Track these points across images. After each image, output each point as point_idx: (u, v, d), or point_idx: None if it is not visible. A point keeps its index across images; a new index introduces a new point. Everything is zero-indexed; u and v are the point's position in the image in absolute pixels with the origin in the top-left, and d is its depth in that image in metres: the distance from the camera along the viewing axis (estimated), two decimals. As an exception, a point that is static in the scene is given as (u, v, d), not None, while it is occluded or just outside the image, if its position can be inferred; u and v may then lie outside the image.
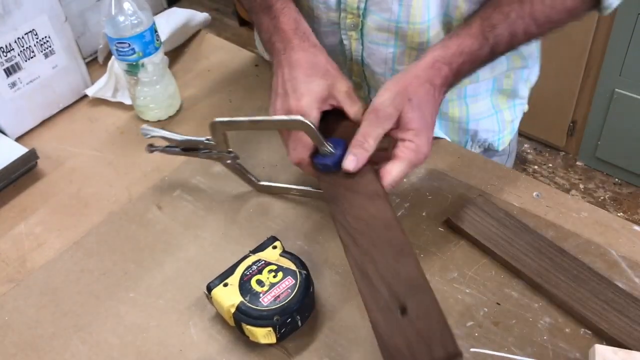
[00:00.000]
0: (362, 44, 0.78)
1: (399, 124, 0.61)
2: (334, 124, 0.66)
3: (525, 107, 0.92)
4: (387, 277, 0.53)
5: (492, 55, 0.67)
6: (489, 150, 0.91)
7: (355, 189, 0.60)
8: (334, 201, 0.61)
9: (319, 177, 0.64)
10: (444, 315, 0.50)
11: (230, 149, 0.71)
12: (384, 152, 0.62)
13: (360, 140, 0.60)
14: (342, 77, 0.67)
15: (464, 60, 0.64)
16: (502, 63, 0.82)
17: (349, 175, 0.61)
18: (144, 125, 0.74)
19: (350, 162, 0.60)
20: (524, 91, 0.90)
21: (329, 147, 0.63)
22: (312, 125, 0.61)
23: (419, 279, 0.53)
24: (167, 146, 0.74)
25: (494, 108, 0.87)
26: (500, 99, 0.87)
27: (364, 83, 0.83)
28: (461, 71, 0.65)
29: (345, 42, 0.78)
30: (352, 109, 0.65)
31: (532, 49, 0.85)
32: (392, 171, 0.60)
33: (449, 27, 0.74)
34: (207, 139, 0.71)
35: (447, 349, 0.48)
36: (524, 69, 0.86)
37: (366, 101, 0.82)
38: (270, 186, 0.75)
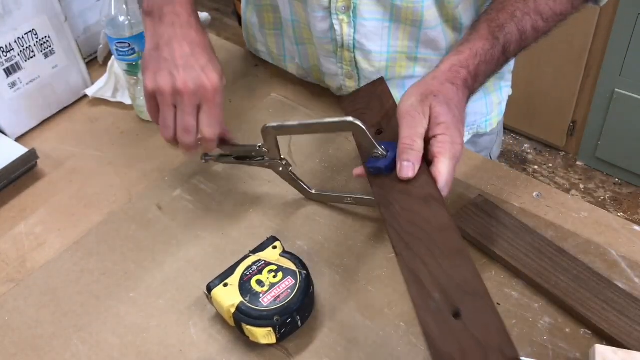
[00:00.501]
0: (354, 27, 0.78)
1: (429, 122, 0.60)
2: None
3: (510, 91, 0.95)
4: (440, 280, 0.50)
5: (505, 54, 0.67)
6: (477, 134, 0.93)
7: (408, 192, 0.58)
8: (386, 205, 0.58)
9: (371, 182, 0.62)
10: (501, 320, 0.47)
11: (283, 157, 0.71)
12: None
13: (407, 143, 0.59)
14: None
15: (479, 61, 0.64)
16: None
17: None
18: (204, 156, 0.75)
19: (407, 170, 0.58)
20: (508, 74, 0.92)
21: (381, 150, 0.61)
22: (363, 127, 0.60)
23: (474, 282, 0.50)
24: (220, 155, 0.74)
25: (483, 92, 0.89)
26: (488, 82, 0.88)
27: (354, 71, 0.82)
28: (478, 73, 0.65)
29: (336, 27, 0.78)
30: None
31: None
32: (441, 170, 0.57)
33: (441, 3, 0.75)
34: (259, 146, 0.70)
35: (505, 354, 0.45)
36: None
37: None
38: (323, 195, 0.74)
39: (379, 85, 0.73)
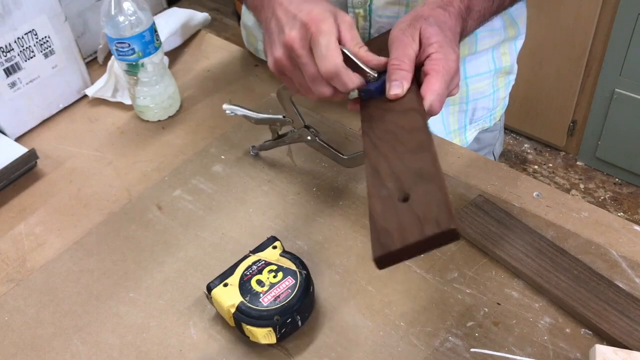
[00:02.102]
0: (370, 21, 0.78)
1: (420, 45, 0.59)
2: None
3: (513, 81, 0.96)
4: (396, 171, 0.50)
5: None
6: (482, 130, 0.94)
7: (392, 108, 0.58)
8: (367, 120, 0.58)
9: (361, 106, 0.61)
10: (446, 195, 0.46)
11: (307, 124, 0.70)
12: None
13: (395, 64, 0.57)
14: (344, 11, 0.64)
15: None
16: (499, 33, 0.84)
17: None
18: (226, 105, 0.75)
19: (395, 88, 0.57)
20: (515, 65, 0.93)
21: (370, 72, 0.60)
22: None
23: (429, 170, 0.49)
24: (266, 141, 0.76)
25: (493, 87, 0.90)
26: (499, 78, 0.89)
27: None
28: (472, 6, 0.64)
29: None
30: (353, 41, 0.60)
31: (521, 10, 0.87)
32: (431, 86, 0.56)
33: None
34: (284, 116, 0.70)
35: (440, 225, 0.43)
36: (516, 39, 0.89)
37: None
38: (356, 158, 0.72)
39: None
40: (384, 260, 0.46)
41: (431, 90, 0.56)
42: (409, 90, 0.58)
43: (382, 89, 0.59)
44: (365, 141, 0.56)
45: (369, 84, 0.60)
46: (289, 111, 0.68)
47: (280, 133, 0.77)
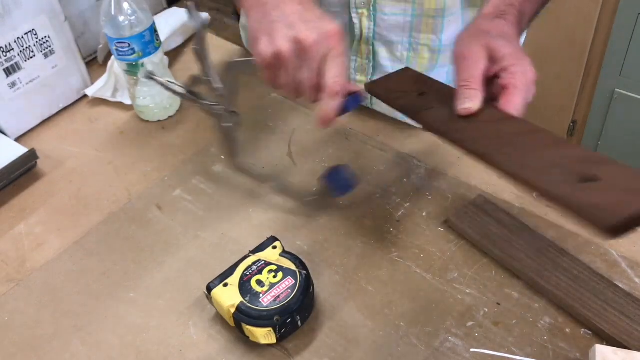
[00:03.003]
0: (374, 20, 0.78)
1: (490, 59, 0.57)
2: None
3: None
4: (555, 160, 0.49)
5: None
6: None
7: (477, 120, 0.56)
8: (458, 130, 0.55)
9: (441, 132, 0.58)
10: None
11: (235, 110, 0.65)
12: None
13: (464, 84, 0.55)
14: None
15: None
16: None
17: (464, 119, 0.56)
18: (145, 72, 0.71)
19: (467, 102, 0.55)
20: None
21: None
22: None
23: (596, 156, 0.48)
24: (169, 81, 0.71)
25: None
26: None
27: (369, 65, 0.82)
28: (524, 11, 0.62)
29: (355, 20, 0.78)
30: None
31: None
32: (512, 102, 0.54)
33: None
34: (218, 87, 0.64)
35: None
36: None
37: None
38: (245, 169, 0.69)
39: (408, 71, 0.71)
40: (620, 227, 0.44)
41: (512, 105, 0.55)
42: (486, 105, 0.56)
43: (351, 104, 0.60)
44: (469, 145, 0.54)
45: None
46: (228, 89, 0.63)
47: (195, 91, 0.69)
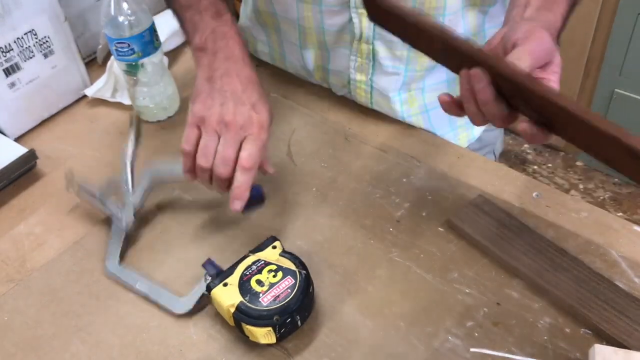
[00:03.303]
0: None
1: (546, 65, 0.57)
2: None
3: None
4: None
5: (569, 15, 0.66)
6: (485, 128, 0.92)
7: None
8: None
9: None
10: None
11: (134, 215, 0.71)
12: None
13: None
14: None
15: (563, 22, 0.63)
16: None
17: None
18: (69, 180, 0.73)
19: None
20: None
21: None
22: None
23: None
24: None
25: None
26: None
27: (369, 64, 0.82)
28: (566, 19, 0.64)
29: (354, 20, 0.78)
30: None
31: None
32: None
33: None
34: (128, 193, 0.73)
35: None
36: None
37: (367, 85, 0.83)
38: (117, 276, 0.68)
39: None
40: None
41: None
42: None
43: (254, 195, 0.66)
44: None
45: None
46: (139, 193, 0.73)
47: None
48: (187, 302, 0.64)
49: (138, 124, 0.80)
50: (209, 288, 0.61)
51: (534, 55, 0.54)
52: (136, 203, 0.72)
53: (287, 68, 0.93)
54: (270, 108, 0.68)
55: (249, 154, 0.64)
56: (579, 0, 0.67)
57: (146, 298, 0.66)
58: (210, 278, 0.62)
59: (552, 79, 0.56)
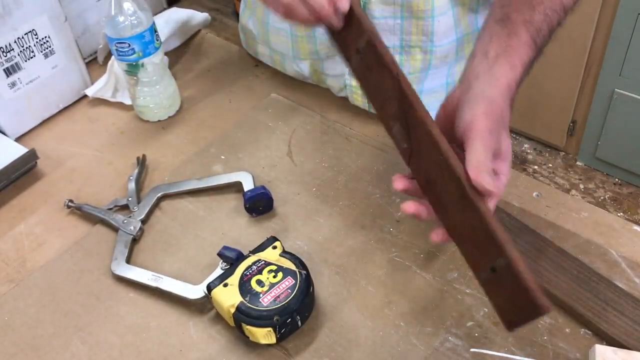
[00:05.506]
0: None
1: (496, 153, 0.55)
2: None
3: None
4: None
5: (536, 60, 0.63)
6: None
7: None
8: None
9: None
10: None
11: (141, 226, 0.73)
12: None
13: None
14: None
15: (525, 70, 0.60)
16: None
17: None
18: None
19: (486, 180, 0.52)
20: None
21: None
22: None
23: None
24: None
25: None
26: None
27: None
28: (522, 81, 0.61)
29: None
30: None
31: None
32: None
33: None
34: (134, 208, 0.75)
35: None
36: None
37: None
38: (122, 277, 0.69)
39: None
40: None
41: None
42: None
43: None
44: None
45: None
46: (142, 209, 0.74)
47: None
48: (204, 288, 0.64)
49: (144, 161, 0.81)
50: (209, 288, 0.61)
51: (487, 146, 0.53)
52: (142, 217, 0.74)
53: (286, 71, 0.94)
54: None
55: None
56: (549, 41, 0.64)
57: (157, 291, 0.66)
58: (227, 266, 0.63)
59: (502, 171, 0.55)
